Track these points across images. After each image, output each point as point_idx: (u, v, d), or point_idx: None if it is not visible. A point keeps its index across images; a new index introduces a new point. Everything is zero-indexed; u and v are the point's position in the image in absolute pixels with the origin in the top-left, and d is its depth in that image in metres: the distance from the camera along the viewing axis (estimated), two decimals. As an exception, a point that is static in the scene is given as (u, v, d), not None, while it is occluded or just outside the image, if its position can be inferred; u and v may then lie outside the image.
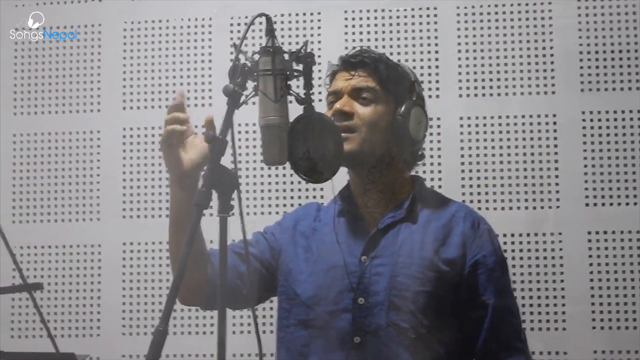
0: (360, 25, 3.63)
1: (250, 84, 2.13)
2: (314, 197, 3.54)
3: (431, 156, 3.51)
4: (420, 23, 3.60)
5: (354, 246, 2.46)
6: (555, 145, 3.47)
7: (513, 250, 3.43)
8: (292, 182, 3.58)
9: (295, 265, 2.52)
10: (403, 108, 2.48)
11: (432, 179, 3.50)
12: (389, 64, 2.55)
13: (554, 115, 3.49)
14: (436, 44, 3.59)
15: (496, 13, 3.56)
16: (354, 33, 3.63)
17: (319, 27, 3.65)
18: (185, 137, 2.37)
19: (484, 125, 3.52)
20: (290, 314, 2.49)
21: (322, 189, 3.51)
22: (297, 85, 2.19)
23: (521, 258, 3.43)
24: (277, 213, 3.54)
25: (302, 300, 2.46)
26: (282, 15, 3.65)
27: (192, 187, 2.32)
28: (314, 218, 2.60)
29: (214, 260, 2.44)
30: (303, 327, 2.45)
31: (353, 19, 3.64)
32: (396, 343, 2.36)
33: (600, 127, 3.46)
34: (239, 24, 3.69)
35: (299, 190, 3.58)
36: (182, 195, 2.33)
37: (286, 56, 2.16)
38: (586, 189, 3.44)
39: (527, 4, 3.55)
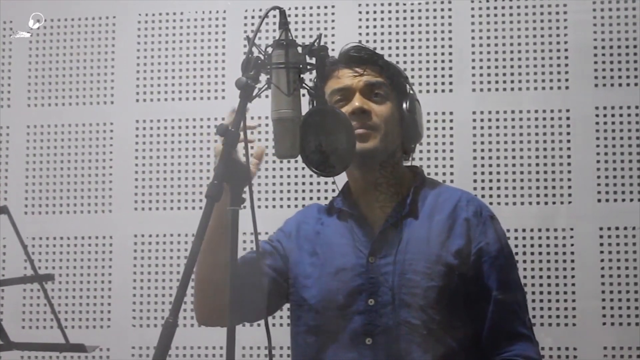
0: (374, 19, 3.63)
1: (263, 77, 2.13)
2: (326, 190, 3.54)
3: (443, 150, 3.50)
4: (435, 17, 3.59)
5: (359, 247, 2.45)
6: (568, 141, 3.46)
7: (524, 246, 3.43)
8: (303, 176, 3.58)
9: (301, 270, 2.51)
10: (408, 103, 2.49)
11: (444, 173, 3.49)
12: (383, 58, 2.56)
13: (568, 111, 3.48)
14: (450, 38, 3.58)
15: (510, 7, 3.55)
16: (367, 27, 3.63)
17: (333, 21, 3.65)
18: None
19: (497, 120, 3.51)
20: (301, 320, 2.48)
21: (333, 183, 3.49)
22: (310, 78, 2.19)
23: (532, 253, 3.43)
24: (288, 207, 3.54)
25: (311, 305, 2.46)
26: (296, 8, 3.65)
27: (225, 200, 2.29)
28: (316, 220, 2.59)
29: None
30: (314, 332, 2.44)
31: (367, 12, 3.63)
32: (408, 340, 2.36)
33: (613, 123, 3.45)
34: (252, 17, 3.69)
35: (311, 184, 3.58)
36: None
37: (299, 49, 2.16)
38: (598, 184, 3.43)
39: (541, -1, 3.55)
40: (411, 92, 2.54)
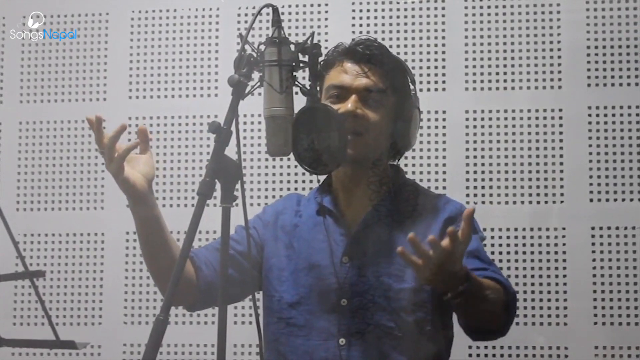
0: (368, 17, 3.62)
1: (255, 75, 2.13)
2: (318, 188, 3.54)
3: (436, 149, 3.50)
4: (428, 15, 3.59)
5: (335, 246, 2.44)
6: (561, 140, 3.46)
7: (517, 245, 3.43)
8: (296, 174, 3.57)
9: (276, 261, 2.50)
10: (405, 112, 2.46)
11: (436, 172, 3.49)
12: (392, 59, 2.52)
13: (560, 110, 3.48)
14: (443, 37, 3.58)
15: (504, 7, 3.55)
16: (361, 25, 3.62)
17: (326, 19, 3.65)
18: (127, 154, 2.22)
19: (490, 119, 3.51)
20: (272, 311, 2.47)
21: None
22: (302, 76, 2.19)
23: (524, 252, 3.43)
24: (281, 204, 3.54)
25: (284, 298, 2.44)
26: (289, 6, 3.64)
27: (152, 199, 2.29)
28: (295, 212, 2.57)
29: (202, 266, 2.43)
30: (284, 325, 2.44)
31: (360, 10, 3.63)
32: (383, 343, 2.35)
33: (606, 123, 3.45)
34: (246, 15, 3.69)
35: (303, 181, 3.57)
36: (147, 211, 2.29)
37: (292, 47, 2.16)
38: (591, 184, 3.44)
39: (534, -2, 3.55)
40: (413, 98, 2.51)
